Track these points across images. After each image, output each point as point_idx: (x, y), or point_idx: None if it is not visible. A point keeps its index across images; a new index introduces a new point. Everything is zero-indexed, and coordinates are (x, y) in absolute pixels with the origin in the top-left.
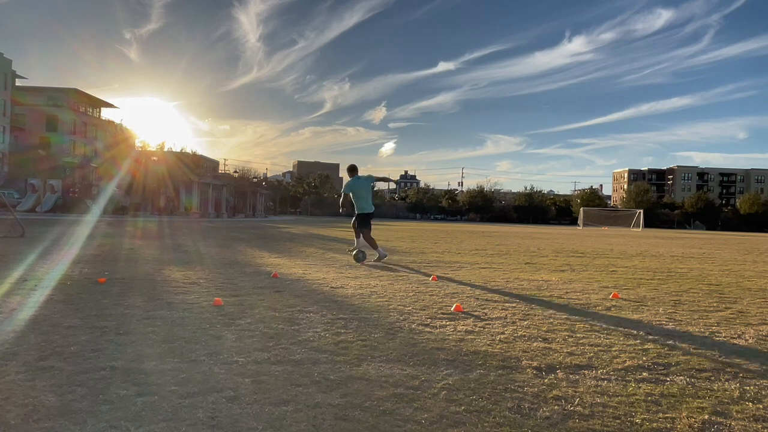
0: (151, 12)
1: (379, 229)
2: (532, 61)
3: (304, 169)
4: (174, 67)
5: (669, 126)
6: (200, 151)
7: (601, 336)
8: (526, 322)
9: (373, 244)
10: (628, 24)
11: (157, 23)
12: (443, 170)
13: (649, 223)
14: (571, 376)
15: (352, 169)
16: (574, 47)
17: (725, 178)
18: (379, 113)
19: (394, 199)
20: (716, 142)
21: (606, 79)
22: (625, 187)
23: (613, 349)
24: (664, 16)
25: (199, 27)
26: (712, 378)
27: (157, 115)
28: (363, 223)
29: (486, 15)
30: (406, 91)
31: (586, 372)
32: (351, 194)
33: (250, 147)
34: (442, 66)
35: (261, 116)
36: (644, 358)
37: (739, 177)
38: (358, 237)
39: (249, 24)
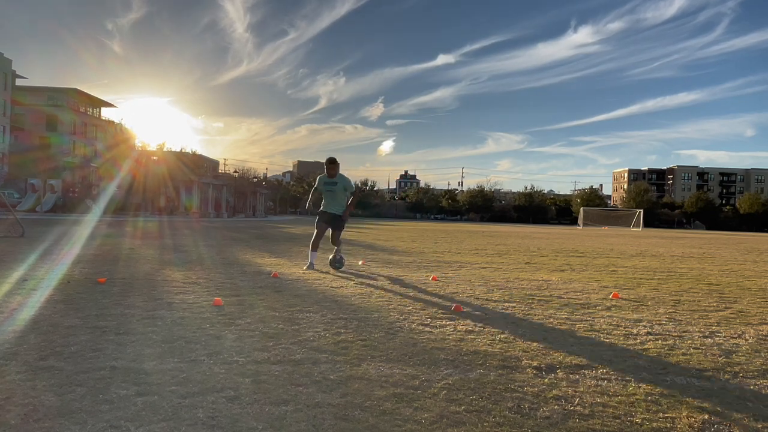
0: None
1: (380, 229)
2: (535, 53)
3: (304, 168)
4: (160, 59)
5: (674, 123)
6: (197, 151)
7: (601, 336)
8: (526, 322)
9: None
10: (638, 12)
11: (138, 12)
12: (443, 169)
13: (648, 223)
14: (571, 376)
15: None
16: (580, 38)
17: (725, 178)
18: (376, 110)
19: (394, 198)
20: (722, 139)
21: (612, 73)
22: (625, 186)
23: (614, 349)
24: (676, 3)
25: (182, 16)
26: (712, 378)
27: (152, 113)
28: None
29: (487, 1)
30: (404, 86)
31: (586, 372)
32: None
33: (246, 145)
34: (442, 59)
35: (254, 113)
36: (644, 358)
37: (739, 177)
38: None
39: (236, 12)
